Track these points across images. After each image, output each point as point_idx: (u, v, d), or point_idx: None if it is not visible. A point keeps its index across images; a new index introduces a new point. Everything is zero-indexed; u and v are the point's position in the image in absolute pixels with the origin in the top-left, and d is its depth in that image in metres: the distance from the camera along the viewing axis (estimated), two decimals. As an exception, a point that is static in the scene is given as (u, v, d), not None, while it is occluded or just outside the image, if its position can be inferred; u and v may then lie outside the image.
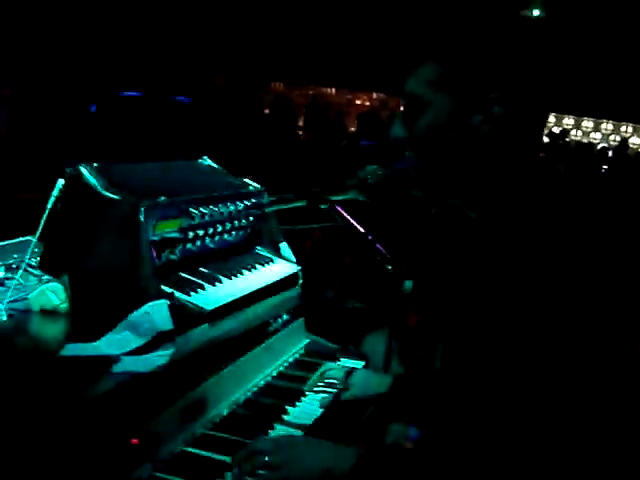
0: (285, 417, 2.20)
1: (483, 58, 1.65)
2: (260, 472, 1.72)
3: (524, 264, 1.53)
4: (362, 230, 2.35)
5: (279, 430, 2.11)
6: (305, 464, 1.70)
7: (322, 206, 2.31)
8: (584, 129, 16.96)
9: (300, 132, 9.53)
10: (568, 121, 16.75)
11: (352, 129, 12.21)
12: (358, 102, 17.69)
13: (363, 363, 2.61)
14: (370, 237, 2.35)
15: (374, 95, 17.70)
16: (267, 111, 13.06)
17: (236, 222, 2.47)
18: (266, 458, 1.71)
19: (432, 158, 1.69)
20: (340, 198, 2.30)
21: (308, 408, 2.28)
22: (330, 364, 2.49)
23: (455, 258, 1.81)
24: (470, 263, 1.68)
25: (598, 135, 16.89)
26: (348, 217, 2.34)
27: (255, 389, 2.31)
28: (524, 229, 1.57)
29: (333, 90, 17.79)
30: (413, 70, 1.71)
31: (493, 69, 1.64)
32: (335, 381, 2.39)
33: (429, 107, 1.67)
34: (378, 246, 2.36)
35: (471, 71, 1.64)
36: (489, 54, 1.66)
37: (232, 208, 2.41)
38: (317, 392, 2.38)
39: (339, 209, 2.32)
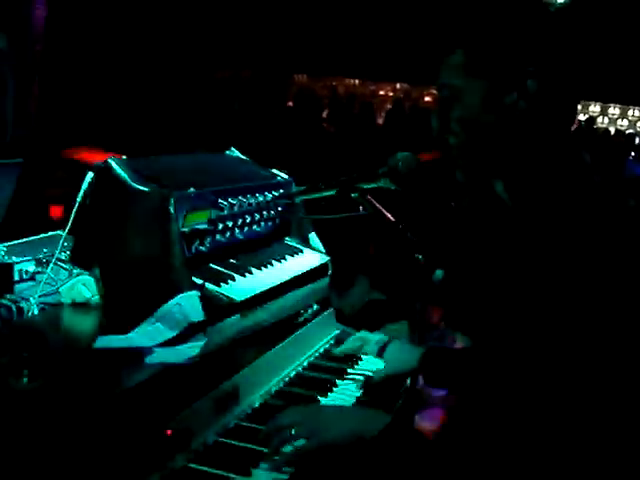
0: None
1: (508, 39, 1.64)
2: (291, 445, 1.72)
3: (556, 256, 1.50)
4: (392, 219, 2.34)
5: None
6: (334, 429, 1.71)
7: (352, 195, 2.30)
8: (610, 116, 16.77)
9: (325, 124, 9.51)
10: (594, 108, 16.58)
11: (378, 121, 12.16)
12: (382, 93, 17.63)
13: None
14: (401, 226, 2.33)
15: (398, 85, 17.63)
16: (291, 103, 13.04)
17: (265, 213, 2.46)
18: (293, 431, 1.71)
19: (473, 142, 1.67)
20: (370, 186, 2.29)
21: (340, 398, 2.27)
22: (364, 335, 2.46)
23: (487, 247, 1.80)
24: (502, 253, 1.66)
25: (625, 122, 16.69)
26: (379, 206, 2.32)
27: (287, 379, 2.30)
28: (558, 221, 1.55)
29: (356, 81, 17.74)
30: (443, 61, 1.69)
31: (520, 50, 1.63)
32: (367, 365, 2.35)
33: (462, 94, 1.66)
34: (409, 235, 2.35)
35: (497, 53, 1.63)
36: (514, 35, 1.64)
37: (261, 199, 2.41)
38: (350, 379, 2.37)
39: (370, 197, 2.31)
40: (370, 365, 2.45)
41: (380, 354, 2.36)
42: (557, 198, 1.58)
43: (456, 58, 1.68)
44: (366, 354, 2.54)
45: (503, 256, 1.64)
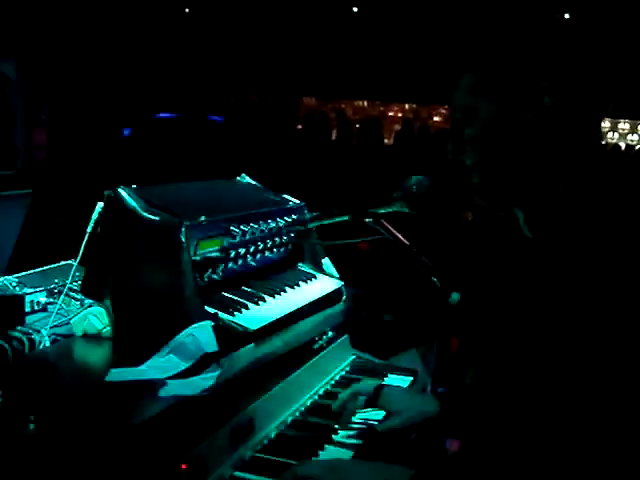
0: (334, 437, 2.14)
1: (519, 57, 1.62)
2: None
3: (575, 294, 1.46)
4: (407, 243, 2.31)
5: (329, 451, 2.06)
6: None
7: (366, 220, 2.27)
8: (621, 131, 16.74)
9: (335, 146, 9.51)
10: (604, 124, 16.54)
11: (387, 141, 12.16)
12: (390, 114, 17.67)
13: (411, 379, 2.55)
14: (415, 250, 2.30)
15: (406, 106, 17.67)
16: (300, 126, 13.08)
17: (277, 239, 2.43)
18: None
19: (489, 163, 1.65)
20: (385, 211, 2.26)
21: (358, 427, 2.23)
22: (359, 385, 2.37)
23: (505, 275, 1.76)
24: (520, 282, 1.63)
25: (635, 137, 16.65)
26: (393, 230, 2.29)
27: (302, 409, 2.26)
28: (580, 255, 1.51)
29: (365, 102, 17.79)
30: (455, 83, 1.68)
31: (532, 67, 1.61)
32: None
33: (475, 115, 1.63)
34: (423, 259, 2.31)
35: (508, 71, 1.61)
36: (525, 53, 1.62)
37: (273, 225, 2.38)
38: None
39: (384, 222, 2.28)
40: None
41: (373, 402, 2.23)
42: (580, 233, 1.54)
43: (467, 79, 1.66)
44: (382, 380, 2.50)
45: (521, 285, 1.61)
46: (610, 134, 16.49)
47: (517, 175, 1.63)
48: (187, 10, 14.92)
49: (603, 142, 14.01)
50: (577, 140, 1.63)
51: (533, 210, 1.64)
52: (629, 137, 16.64)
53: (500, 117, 1.62)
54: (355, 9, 15.19)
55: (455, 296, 2.35)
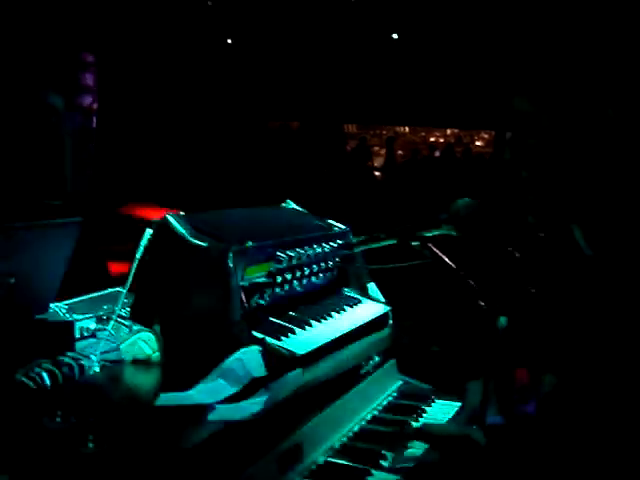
0: (383, 462, 2.13)
1: (584, 69, 1.59)
2: None
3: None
4: (454, 266, 2.29)
5: (377, 476, 2.04)
6: None
7: (413, 243, 2.26)
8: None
9: (377, 173, 9.54)
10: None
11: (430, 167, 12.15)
12: (432, 139, 17.66)
13: (460, 404, 2.52)
14: (462, 273, 2.28)
15: (448, 131, 17.65)
16: (342, 153, 13.15)
17: (323, 264, 2.44)
18: None
19: (548, 175, 1.62)
20: (431, 234, 2.25)
21: (406, 451, 2.21)
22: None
23: (558, 295, 1.73)
24: (575, 303, 1.60)
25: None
26: (440, 253, 2.28)
27: (350, 434, 2.25)
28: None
29: (406, 128, 17.80)
30: (519, 88, 1.66)
31: (597, 77, 1.58)
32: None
33: (536, 122, 1.61)
34: (470, 282, 2.29)
35: (573, 83, 1.58)
36: (590, 62, 1.60)
37: (319, 250, 2.39)
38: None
39: (431, 245, 2.27)
40: (434, 419, 2.39)
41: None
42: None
43: (532, 88, 1.64)
44: (430, 405, 2.48)
45: (576, 306, 1.58)
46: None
47: (578, 188, 1.60)
48: (229, 41, 15.14)
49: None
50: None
51: (593, 226, 1.61)
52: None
53: (564, 127, 1.59)
54: (395, 36, 15.25)
55: (503, 320, 2.32)
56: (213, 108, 13.46)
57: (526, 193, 1.66)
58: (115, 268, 4.82)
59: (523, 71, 1.66)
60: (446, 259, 2.25)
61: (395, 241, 2.28)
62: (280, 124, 14.83)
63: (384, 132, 16.82)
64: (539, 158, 1.62)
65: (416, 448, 2.19)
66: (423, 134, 17.63)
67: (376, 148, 15.60)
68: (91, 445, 1.64)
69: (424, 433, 2.08)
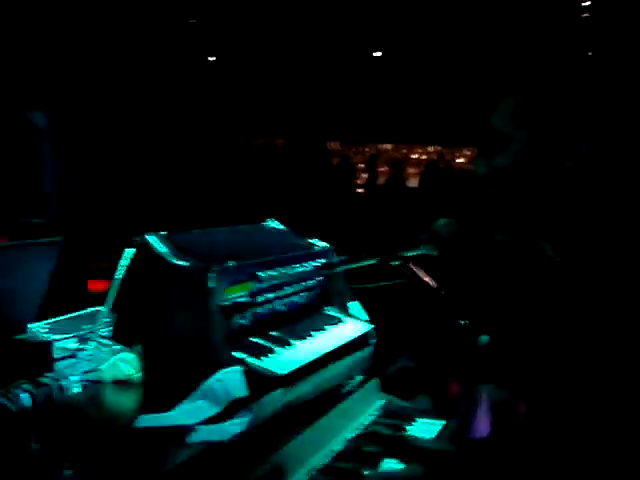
0: (366, 482, 2.12)
1: (559, 93, 1.62)
2: None
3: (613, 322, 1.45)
4: (435, 285, 2.30)
5: (360, 496, 2.04)
6: None
7: (394, 263, 2.26)
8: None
9: (360, 190, 9.57)
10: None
11: (411, 184, 12.20)
12: (414, 156, 17.71)
13: (443, 422, 2.52)
14: (443, 292, 2.29)
15: (430, 148, 17.71)
16: (325, 170, 13.16)
17: (305, 283, 2.44)
18: None
19: (515, 195, 1.64)
20: (412, 254, 2.26)
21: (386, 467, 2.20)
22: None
23: (535, 308, 1.75)
24: (552, 313, 1.61)
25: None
26: (421, 272, 2.29)
27: (333, 454, 2.24)
28: (618, 279, 1.50)
29: (389, 146, 17.85)
30: (495, 105, 1.68)
31: (571, 106, 1.60)
32: None
33: (509, 143, 1.63)
34: (452, 301, 2.30)
35: (547, 106, 1.61)
36: (565, 91, 1.62)
37: (301, 269, 2.38)
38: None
39: (411, 265, 2.28)
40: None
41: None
42: (618, 261, 1.52)
43: (508, 104, 1.66)
44: (412, 424, 2.47)
45: (553, 318, 1.59)
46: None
47: (543, 210, 1.62)
48: (212, 58, 15.16)
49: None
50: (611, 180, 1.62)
51: (564, 241, 1.63)
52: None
53: (533, 152, 1.61)
54: (377, 54, 15.32)
55: (484, 338, 2.32)
56: (197, 126, 13.46)
57: (494, 210, 1.68)
58: (95, 286, 4.79)
59: (502, 90, 1.68)
60: (427, 278, 2.26)
61: (376, 261, 2.29)
62: (265, 141, 14.84)
63: (367, 149, 16.86)
64: (508, 176, 1.64)
65: (396, 464, 2.19)
66: (405, 151, 17.67)
67: (360, 165, 15.64)
68: (69, 472, 1.62)
69: (407, 447, 2.08)
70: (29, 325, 2.37)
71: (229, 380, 1.87)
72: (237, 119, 14.48)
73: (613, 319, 1.44)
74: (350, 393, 2.48)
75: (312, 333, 2.35)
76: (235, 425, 1.83)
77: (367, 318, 2.64)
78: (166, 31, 12.68)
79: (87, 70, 9.96)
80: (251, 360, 2.00)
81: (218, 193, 9.14)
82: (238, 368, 1.90)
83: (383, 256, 2.28)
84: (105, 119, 10.40)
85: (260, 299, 2.22)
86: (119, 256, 2.11)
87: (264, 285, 2.21)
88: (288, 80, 14.89)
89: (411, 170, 15.46)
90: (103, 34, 10.47)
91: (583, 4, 11.33)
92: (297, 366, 2.11)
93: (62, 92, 8.86)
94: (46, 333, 2.40)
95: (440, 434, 2.41)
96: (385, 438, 2.33)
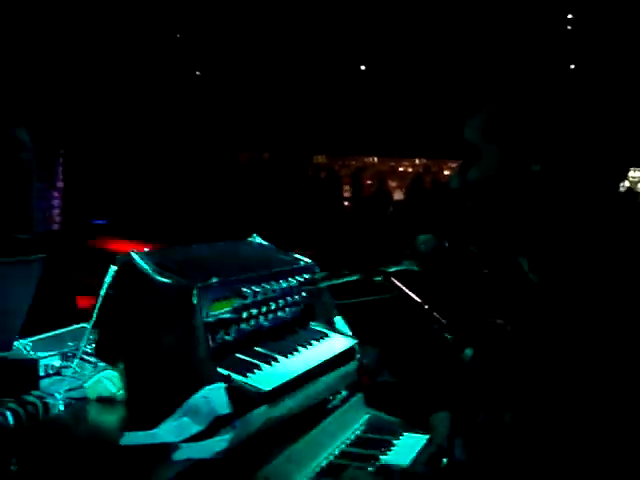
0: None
1: (529, 110, 1.64)
2: None
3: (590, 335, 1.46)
4: (418, 300, 2.31)
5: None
6: None
7: (376, 278, 2.27)
8: (631, 179, 16.70)
9: (346, 202, 9.60)
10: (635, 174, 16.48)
11: (397, 197, 12.24)
12: (401, 169, 17.78)
13: (427, 437, 2.52)
14: (426, 307, 2.30)
15: (417, 161, 17.78)
16: (311, 184, 13.20)
17: (289, 299, 2.44)
18: None
19: (488, 209, 1.65)
20: (394, 269, 2.27)
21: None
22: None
23: (514, 322, 1.76)
24: (529, 328, 1.62)
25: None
26: (404, 288, 2.30)
27: (318, 469, 2.24)
28: (593, 298, 1.51)
29: (375, 159, 17.91)
30: (467, 119, 1.70)
31: (541, 121, 1.62)
32: None
33: (481, 157, 1.65)
34: (435, 315, 2.31)
35: (518, 122, 1.63)
36: (536, 107, 1.64)
37: (285, 285, 2.39)
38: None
39: (394, 280, 2.28)
40: (402, 454, 2.39)
41: None
42: (593, 277, 1.54)
43: (480, 118, 1.67)
44: (398, 438, 2.48)
45: (532, 333, 1.61)
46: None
47: (518, 224, 1.64)
48: (198, 72, 15.19)
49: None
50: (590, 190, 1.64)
51: (538, 257, 1.64)
52: (640, 186, 16.57)
53: (503, 166, 1.63)
54: (363, 67, 15.40)
55: (468, 352, 2.33)
56: (182, 140, 13.46)
57: (470, 223, 1.69)
58: (84, 302, 4.78)
59: (476, 103, 1.70)
60: (411, 293, 2.26)
61: (359, 276, 2.30)
62: (251, 155, 14.87)
63: (353, 162, 16.93)
64: (483, 188, 1.65)
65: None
66: (392, 164, 17.74)
67: (346, 179, 15.70)
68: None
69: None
70: (14, 342, 2.37)
71: (213, 397, 1.87)
72: (223, 132, 14.50)
73: (592, 332, 1.46)
74: (335, 408, 2.48)
75: (297, 348, 2.35)
76: (219, 442, 1.83)
77: (351, 333, 2.65)
78: (152, 45, 12.69)
79: (71, 86, 9.95)
80: (236, 376, 2.00)
81: (204, 207, 9.14)
82: (222, 385, 1.90)
83: (365, 272, 2.29)
84: (91, 134, 10.39)
85: (245, 315, 2.22)
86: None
87: (248, 301, 2.21)
88: (274, 93, 14.92)
89: (397, 183, 15.54)
90: (88, 49, 10.47)
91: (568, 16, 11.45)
92: (282, 382, 2.11)
93: (46, 108, 8.85)
94: (31, 350, 2.40)
95: (421, 452, 2.40)
96: (363, 458, 2.34)
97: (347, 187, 14.36)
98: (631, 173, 16.51)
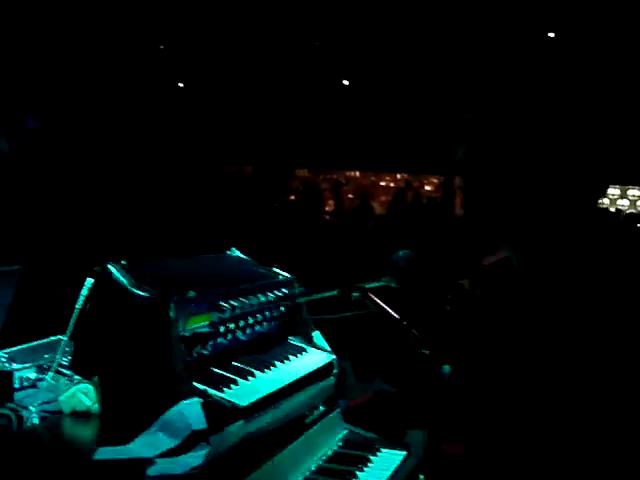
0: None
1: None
2: None
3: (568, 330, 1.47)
4: (396, 316, 2.31)
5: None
6: None
7: (354, 294, 2.27)
8: (610, 197, 16.83)
9: (327, 216, 9.60)
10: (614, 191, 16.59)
11: (379, 211, 12.26)
12: (382, 183, 17.82)
13: (405, 453, 2.52)
14: (405, 322, 2.30)
15: (398, 176, 17.83)
16: (292, 197, 13.20)
17: (267, 313, 2.43)
18: None
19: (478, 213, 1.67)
20: (372, 286, 2.27)
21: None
22: None
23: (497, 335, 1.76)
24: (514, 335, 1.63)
25: (626, 202, 16.72)
26: (381, 304, 2.30)
27: (295, 486, 2.23)
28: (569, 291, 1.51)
29: (357, 173, 17.94)
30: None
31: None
32: None
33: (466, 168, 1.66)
34: (413, 331, 2.31)
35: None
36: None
37: (263, 299, 2.38)
38: None
39: (372, 296, 2.29)
40: (379, 470, 2.38)
41: None
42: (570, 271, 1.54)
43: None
44: (375, 454, 2.47)
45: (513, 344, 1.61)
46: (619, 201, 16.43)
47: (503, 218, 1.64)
48: (181, 84, 15.18)
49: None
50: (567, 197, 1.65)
51: (523, 252, 1.65)
52: (618, 202, 16.69)
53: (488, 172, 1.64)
54: (346, 82, 15.45)
55: (446, 368, 2.34)
56: (165, 153, 13.42)
57: (459, 230, 1.70)
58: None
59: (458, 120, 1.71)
60: (388, 309, 2.27)
61: (336, 292, 2.30)
62: (236, 169, 14.86)
63: (334, 176, 16.94)
64: (468, 196, 1.67)
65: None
66: (373, 178, 17.77)
67: (328, 193, 15.71)
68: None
69: None
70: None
71: (189, 412, 1.85)
72: (206, 146, 14.48)
73: (573, 338, 1.47)
74: (313, 423, 2.47)
75: (275, 363, 2.34)
76: (194, 458, 1.81)
77: (329, 348, 2.64)
78: (135, 57, 12.67)
79: (52, 95, 9.91)
80: (212, 391, 1.98)
81: (186, 220, 9.11)
82: (198, 400, 1.88)
83: (343, 288, 2.29)
84: (71, 144, 10.35)
85: (222, 329, 2.20)
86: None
87: (226, 315, 2.20)
88: (257, 107, 14.94)
89: (380, 198, 15.57)
90: (71, 59, 10.43)
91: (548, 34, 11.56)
92: (259, 397, 2.09)
93: (24, 118, 8.82)
94: (5, 362, 2.38)
95: (398, 469, 2.40)
96: (340, 474, 2.33)
97: (331, 202, 14.40)
98: (630, 192, 16.62)
